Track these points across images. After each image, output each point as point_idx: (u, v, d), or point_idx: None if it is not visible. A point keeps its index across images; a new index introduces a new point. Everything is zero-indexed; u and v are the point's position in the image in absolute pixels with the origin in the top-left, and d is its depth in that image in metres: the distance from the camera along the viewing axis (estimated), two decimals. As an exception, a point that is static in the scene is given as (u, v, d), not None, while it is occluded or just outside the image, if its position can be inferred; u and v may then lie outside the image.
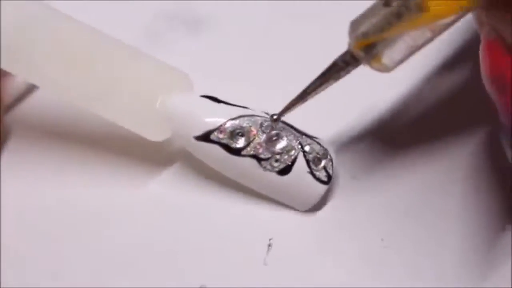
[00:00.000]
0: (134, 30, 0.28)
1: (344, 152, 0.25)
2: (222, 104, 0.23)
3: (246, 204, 0.24)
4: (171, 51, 0.28)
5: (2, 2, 0.22)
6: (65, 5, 0.24)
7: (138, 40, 0.27)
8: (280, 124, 0.23)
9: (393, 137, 0.25)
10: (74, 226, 0.24)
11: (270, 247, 0.23)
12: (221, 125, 0.23)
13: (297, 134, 0.23)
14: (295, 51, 0.28)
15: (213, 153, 0.23)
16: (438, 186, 0.24)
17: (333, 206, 0.24)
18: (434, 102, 0.26)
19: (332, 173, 0.23)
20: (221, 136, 0.23)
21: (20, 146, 0.25)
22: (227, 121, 0.23)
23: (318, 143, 0.23)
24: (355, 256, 0.23)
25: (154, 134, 0.23)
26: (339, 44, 0.28)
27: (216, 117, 0.23)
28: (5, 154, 0.25)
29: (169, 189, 0.24)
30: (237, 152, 0.23)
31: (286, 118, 0.23)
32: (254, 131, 0.23)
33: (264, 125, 0.23)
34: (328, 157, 0.23)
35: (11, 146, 0.25)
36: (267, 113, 0.23)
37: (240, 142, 0.23)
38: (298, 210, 0.24)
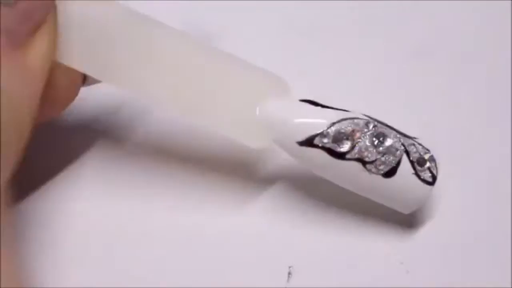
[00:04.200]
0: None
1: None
2: (323, 108, 0.23)
3: (264, 228, 0.24)
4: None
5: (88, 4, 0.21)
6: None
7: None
8: (380, 125, 0.23)
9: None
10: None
11: (290, 275, 0.23)
12: (324, 130, 0.22)
13: (399, 135, 0.23)
14: (306, 65, 0.28)
15: (316, 158, 0.23)
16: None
17: (350, 232, 0.24)
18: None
19: (437, 173, 0.23)
20: (325, 140, 0.22)
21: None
22: (330, 125, 0.22)
23: (420, 144, 0.23)
24: (375, 281, 0.23)
25: (255, 141, 0.23)
26: (351, 58, 0.28)
27: (319, 122, 0.22)
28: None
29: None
30: (341, 156, 0.22)
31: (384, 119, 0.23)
32: (358, 134, 0.22)
33: (367, 127, 0.23)
34: (432, 157, 0.23)
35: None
36: (367, 116, 0.23)
37: (345, 146, 0.22)
38: (401, 213, 0.24)
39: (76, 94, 0.23)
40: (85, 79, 0.23)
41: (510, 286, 0.23)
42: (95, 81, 0.24)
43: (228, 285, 0.23)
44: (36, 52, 0.19)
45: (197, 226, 0.24)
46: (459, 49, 0.28)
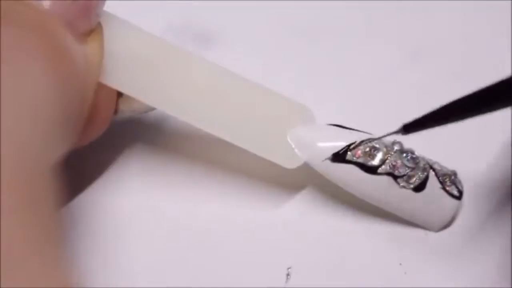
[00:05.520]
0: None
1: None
2: (351, 130, 0.24)
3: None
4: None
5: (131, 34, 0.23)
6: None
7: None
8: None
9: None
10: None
11: (288, 276, 0.23)
12: (355, 146, 0.23)
13: (422, 155, 0.24)
14: (306, 67, 0.28)
15: (348, 174, 0.23)
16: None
17: (350, 232, 0.25)
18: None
19: (462, 188, 0.24)
20: (356, 155, 0.23)
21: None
22: (361, 142, 0.23)
23: (441, 165, 0.24)
24: (373, 281, 0.24)
25: (288, 162, 0.24)
26: (351, 61, 0.28)
27: (350, 139, 0.23)
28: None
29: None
30: (373, 170, 0.23)
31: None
32: (387, 150, 0.23)
33: (393, 144, 0.24)
34: (455, 173, 0.24)
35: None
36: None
37: (377, 159, 0.23)
38: (430, 230, 0.24)
39: (111, 117, 0.24)
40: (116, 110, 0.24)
41: (510, 286, 0.23)
42: (127, 112, 0.24)
43: (227, 285, 0.23)
44: (91, 53, 0.20)
45: (197, 225, 0.24)
46: (458, 49, 0.29)
